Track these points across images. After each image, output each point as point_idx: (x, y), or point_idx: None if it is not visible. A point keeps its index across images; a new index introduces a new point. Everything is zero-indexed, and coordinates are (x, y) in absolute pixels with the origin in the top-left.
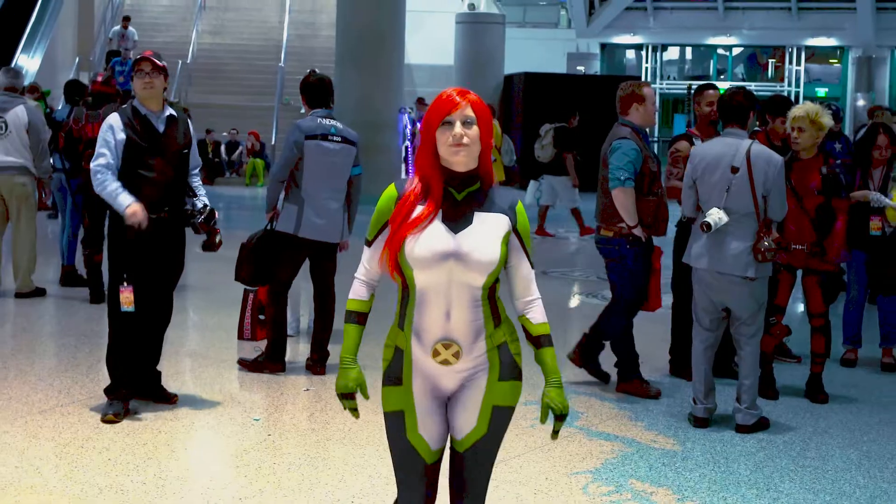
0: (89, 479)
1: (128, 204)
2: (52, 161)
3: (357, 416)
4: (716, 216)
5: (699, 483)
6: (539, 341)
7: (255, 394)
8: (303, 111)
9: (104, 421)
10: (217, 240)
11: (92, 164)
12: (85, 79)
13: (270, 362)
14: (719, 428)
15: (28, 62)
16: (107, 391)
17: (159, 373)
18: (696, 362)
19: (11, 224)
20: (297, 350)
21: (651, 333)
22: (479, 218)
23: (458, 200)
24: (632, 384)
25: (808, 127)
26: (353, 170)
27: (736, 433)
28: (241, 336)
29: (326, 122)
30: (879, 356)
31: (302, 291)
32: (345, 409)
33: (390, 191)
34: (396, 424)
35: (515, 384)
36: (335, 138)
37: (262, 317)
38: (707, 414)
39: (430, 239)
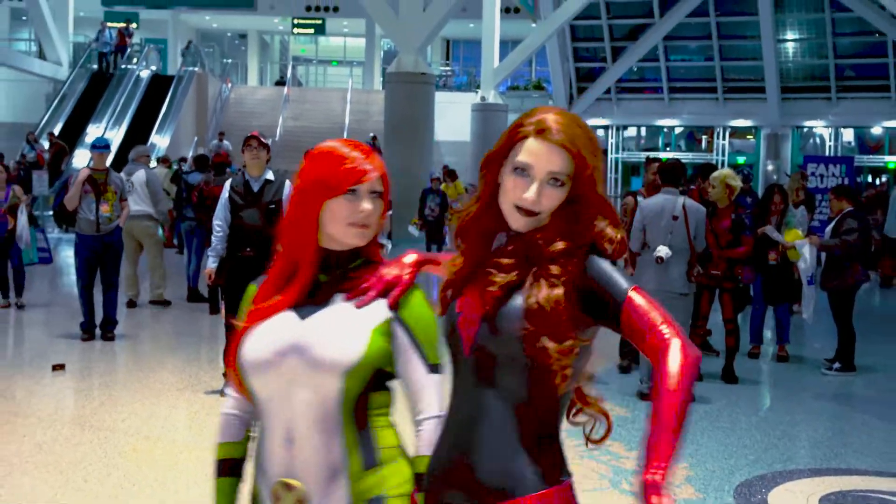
0: (213, 432)
1: (208, 266)
2: (185, 212)
3: None
4: (663, 251)
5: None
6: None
7: None
8: None
9: (223, 396)
10: None
11: (213, 219)
12: (201, 152)
13: None
14: None
15: (160, 140)
16: (225, 376)
17: None
18: (642, 355)
19: (145, 255)
20: None
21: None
22: (343, 303)
23: (320, 282)
24: None
25: (720, 185)
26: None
27: None
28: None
29: None
30: (776, 350)
31: None
32: None
33: (250, 290)
34: None
35: None
36: None
37: None
38: (648, 390)
39: (269, 330)
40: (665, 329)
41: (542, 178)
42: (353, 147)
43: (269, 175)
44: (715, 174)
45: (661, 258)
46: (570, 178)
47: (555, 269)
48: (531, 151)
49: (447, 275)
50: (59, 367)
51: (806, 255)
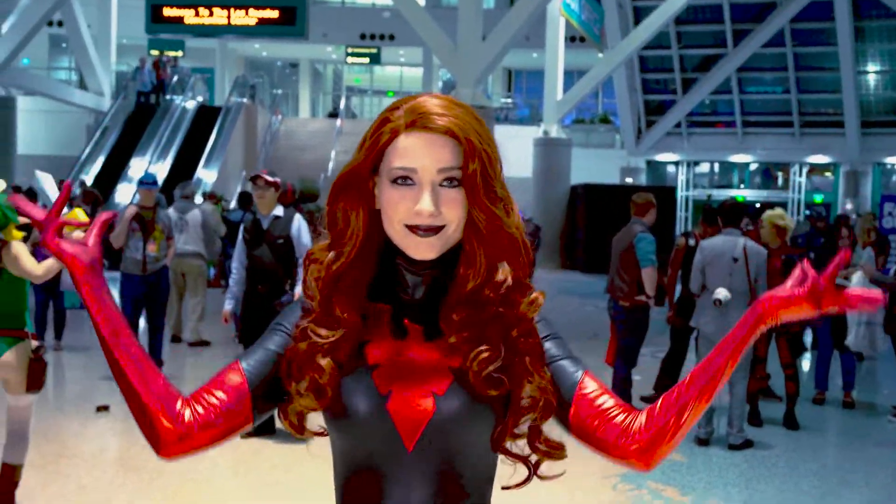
0: (259, 477)
1: (224, 309)
2: (228, 251)
3: None
4: (722, 294)
5: (697, 483)
6: None
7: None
8: None
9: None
10: None
11: (232, 261)
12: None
13: None
14: (715, 446)
15: (207, 174)
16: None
17: None
18: None
19: (188, 294)
20: None
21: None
22: None
23: None
24: None
25: (768, 226)
26: None
27: (728, 450)
28: None
29: None
30: (842, 397)
31: None
32: None
33: None
34: None
35: None
36: None
37: None
38: (707, 435)
39: None
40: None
41: (432, 179)
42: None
43: (279, 211)
44: (764, 215)
45: (720, 301)
46: (462, 173)
47: (526, 336)
48: (409, 150)
49: (312, 351)
50: (103, 409)
51: (852, 282)
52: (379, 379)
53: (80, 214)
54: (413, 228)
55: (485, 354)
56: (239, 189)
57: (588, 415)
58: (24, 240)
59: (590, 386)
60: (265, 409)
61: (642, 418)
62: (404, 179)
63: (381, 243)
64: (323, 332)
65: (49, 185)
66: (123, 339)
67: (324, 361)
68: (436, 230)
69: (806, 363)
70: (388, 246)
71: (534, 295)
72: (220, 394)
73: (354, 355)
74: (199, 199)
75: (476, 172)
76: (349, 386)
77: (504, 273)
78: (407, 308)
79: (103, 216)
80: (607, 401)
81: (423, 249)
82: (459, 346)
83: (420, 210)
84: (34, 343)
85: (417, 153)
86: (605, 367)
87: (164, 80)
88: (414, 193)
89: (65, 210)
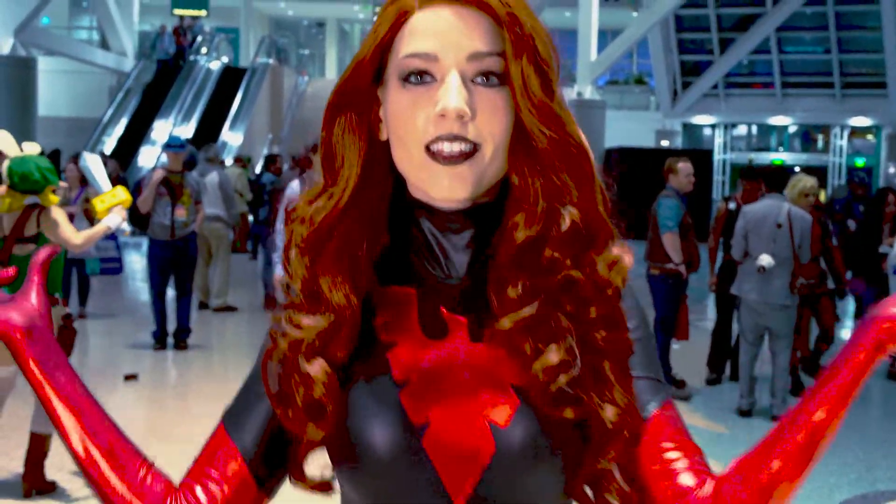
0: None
1: (276, 274)
2: (260, 215)
3: None
4: (766, 261)
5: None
6: None
7: None
8: None
9: None
10: None
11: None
12: (276, 150)
13: None
14: (758, 417)
15: (232, 137)
16: None
17: None
18: (742, 368)
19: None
20: None
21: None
22: None
23: None
24: None
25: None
26: None
27: (771, 421)
28: None
29: None
30: (888, 366)
31: None
32: None
33: None
34: None
35: None
36: None
37: None
38: (749, 406)
39: None
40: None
41: (461, 69)
42: None
43: None
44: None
45: (764, 268)
46: (506, 71)
47: (608, 324)
48: (427, 30)
49: (294, 353)
50: (131, 377)
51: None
52: (410, 402)
53: (120, 193)
54: (435, 154)
55: (555, 356)
56: (265, 152)
57: (647, 461)
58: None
59: (662, 425)
60: (278, 480)
61: (709, 489)
62: (420, 76)
63: (389, 196)
64: (306, 320)
65: (97, 169)
66: (91, 425)
67: (313, 366)
68: (466, 155)
69: (847, 332)
70: (405, 202)
71: (615, 253)
72: (215, 486)
73: (368, 361)
74: (228, 161)
75: (526, 61)
76: (363, 411)
77: (573, 217)
78: (442, 291)
79: (40, 256)
80: (675, 449)
81: (448, 183)
82: (518, 339)
83: (445, 109)
84: (65, 310)
85: (438, 33)
86: None
87: (184, 46)
88: (432, 91)
89: (106, 187)
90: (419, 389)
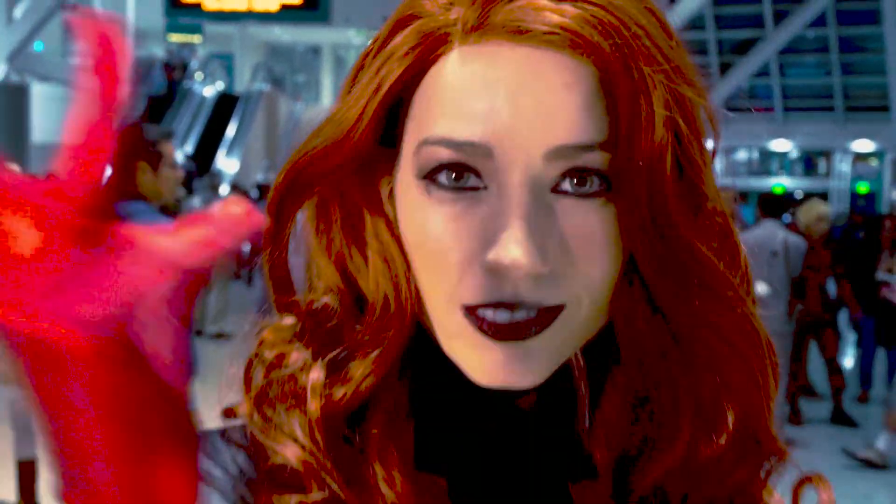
0: None
1: None
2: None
3: None
4: (760, 289)
5: None
6: None
7: None
8: None
9: None
10: None
11: None
12: (271, 177)
13: None
14: None
15: (228, 164)
16: None
17: None
18: None
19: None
20: None
21: None
22: None
23: None
24: None
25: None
26: None
27: None
28: None
29: None
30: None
31: None
32: None
33: None
34: None
35: None
36: None
37: None
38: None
39: None
40: None
41: (532, 176)
42: None
43: None
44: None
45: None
46: (612, 158)
47: None
48: (476, 95)
49: None
50: None
51: None
52: None
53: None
54: (481, 321)
55: None
56: (261, 178)
57: None
58: None
59: None
60: None
61: None
62: (457, 175)
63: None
64: None
65: None
66: None
67: None
68: (537, 323)
69: (848, 360)
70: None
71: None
72: None
73: None
74: (224, 190)
75: (656, 156)
76: None
77: (734, 421)
78: (487, 477)
79: None
80: None
81: (502, 368)
82: None
83: (501, 262)
84: None
85: (495, 104)
86: None
87: (174, 81)
88: (480, 211)
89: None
90: None
